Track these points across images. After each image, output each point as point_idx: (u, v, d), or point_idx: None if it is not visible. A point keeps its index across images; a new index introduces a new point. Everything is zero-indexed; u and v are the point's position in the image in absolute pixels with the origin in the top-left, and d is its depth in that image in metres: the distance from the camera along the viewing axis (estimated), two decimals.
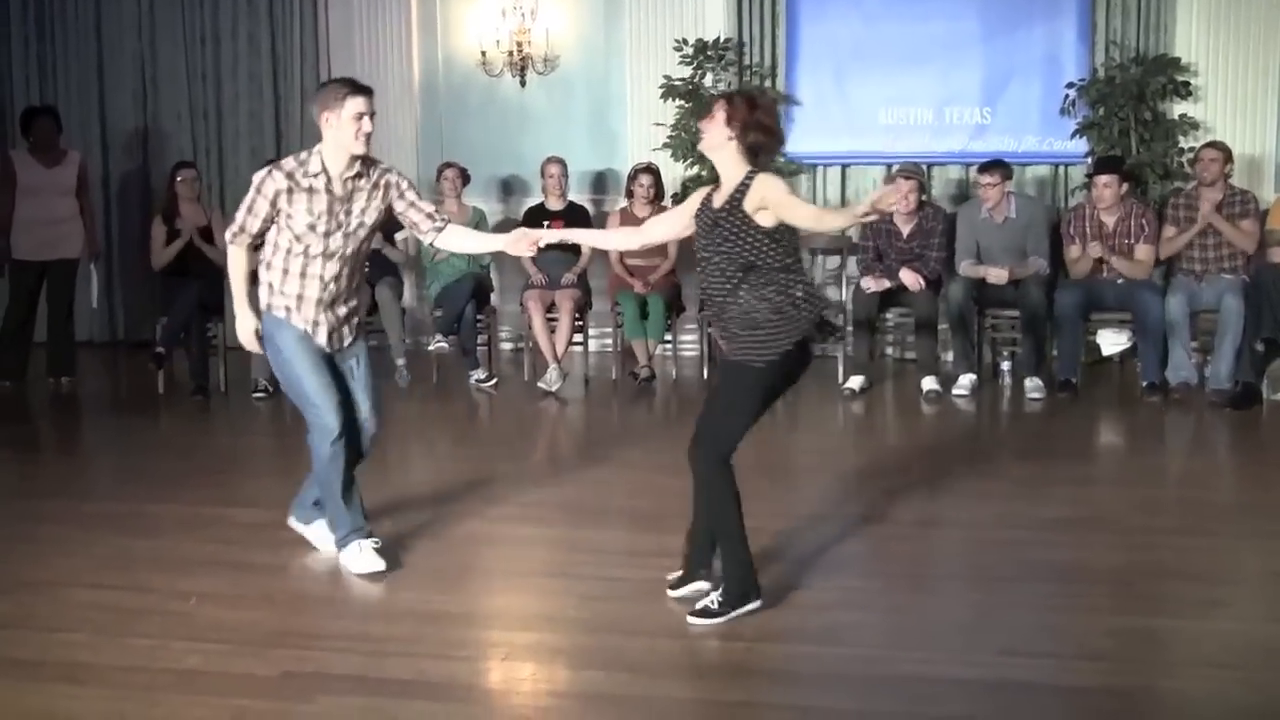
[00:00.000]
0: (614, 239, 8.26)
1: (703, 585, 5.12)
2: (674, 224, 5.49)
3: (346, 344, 5.63)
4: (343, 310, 5.58)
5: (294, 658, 4.58)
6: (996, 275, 9.28)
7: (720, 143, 5.01)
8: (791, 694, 4.34)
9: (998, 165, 9.55)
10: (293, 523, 5.90)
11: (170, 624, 4.92)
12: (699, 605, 4.95)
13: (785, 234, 4.96)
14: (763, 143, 4.99)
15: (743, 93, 5.20)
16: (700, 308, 10.00)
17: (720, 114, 5.01)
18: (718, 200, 5.04)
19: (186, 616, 5.01)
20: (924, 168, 10.29)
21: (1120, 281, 9.28)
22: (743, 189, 4.92)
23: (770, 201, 4.86)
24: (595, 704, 4.26)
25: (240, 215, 5.53)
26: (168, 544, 5.96)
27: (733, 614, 4.90)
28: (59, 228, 10.04)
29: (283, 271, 5.48)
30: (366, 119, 5.48)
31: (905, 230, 9.51)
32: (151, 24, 12.05)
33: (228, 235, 5.58)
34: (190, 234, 9.90)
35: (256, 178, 5.50)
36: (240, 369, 9.72)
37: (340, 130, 5.46)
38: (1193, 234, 9.19)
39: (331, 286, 5.50)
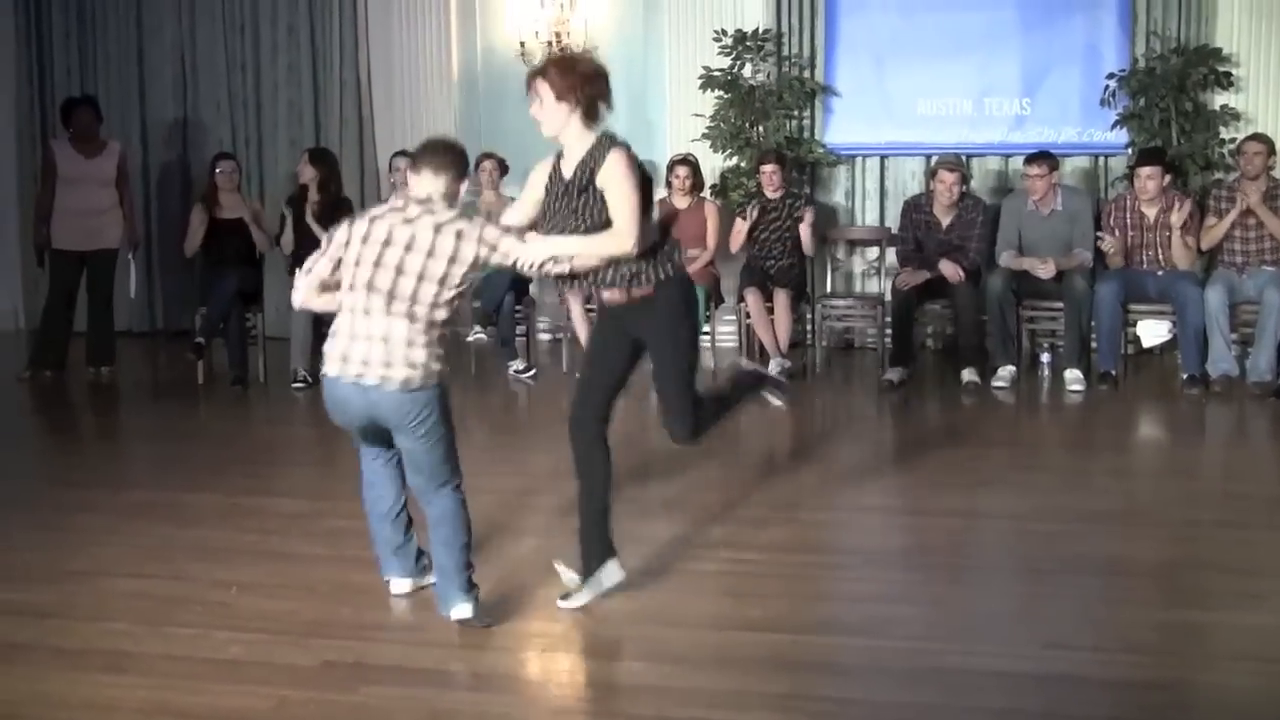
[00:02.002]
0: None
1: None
2: (526, 208, 5.19)
3: None
4: None
5: (335, 648, 4.59)
6: (1044, 269, 9.22)
7: (563, 120, 4.91)
8: (834, 686, 4.33)
9: (1045, 156, 9.48)
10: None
11: (211, 613, 4.94)
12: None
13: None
14: (600, 93, 4.94)
15: (553, 62, 5.09)
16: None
17: (547, 94, 4.91)
18: (567, 170, 4.94)
19: (227, 606, 5.03)
20: (964, 159, 10.23)
21: (1160, 273, 9.22)
22: (593, 159, 4.85)
23: (605, 184, 4.79)
24: (637, 695, 4.27)
25: None
26: (208, 533, 5.99)
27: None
28: (99, 218, 10.08)
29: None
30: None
31: (945, 221, 9.47)
32: (191, 14, 12.08)
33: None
34: (221, 219, 9.95)
35: None
36: (279, 359, 9.75)
37: None
38: (1231, 219, 9.12)
39: None
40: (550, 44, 11.24)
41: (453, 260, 4.74)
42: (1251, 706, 4.17)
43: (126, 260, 10.50)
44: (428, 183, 4.91)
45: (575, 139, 4.93)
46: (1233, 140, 9.77)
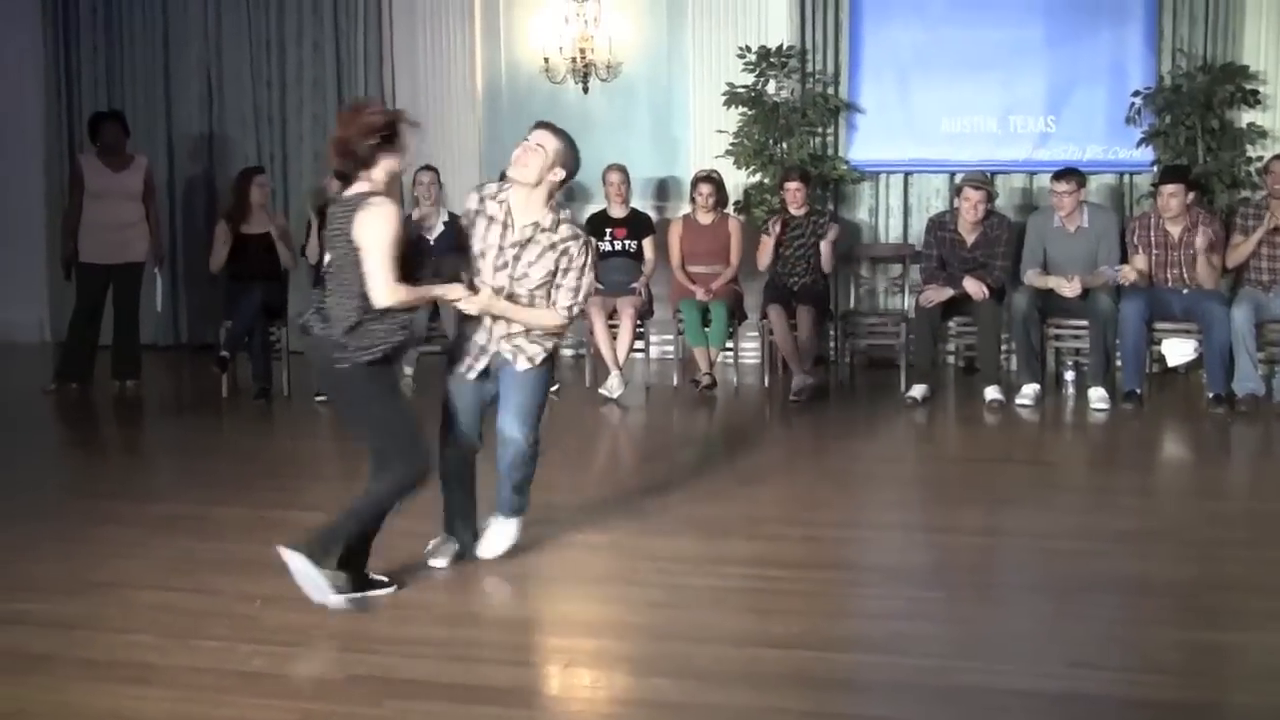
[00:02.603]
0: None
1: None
2: None
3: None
4: None
5: (360, 661, 4.60)
6: (1070, 288, 9.20)
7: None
8: (857, 703, 4.33)
9: (1072, 173, 9.45)
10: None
11: (236, 626, 4.96)
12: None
13: None
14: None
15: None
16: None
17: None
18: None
19: (252, 619, 5.05)
20: (989, 176, 10.22)
21: (1186, 291, 9.20)
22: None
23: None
24: (660, 712, 4.26)
25: None
26: (233, 546, 6.00)
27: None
28: (125, 232, 10.12)
29: None
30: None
31: (970, 239, 9.47)
32: (218, 30, 12.13)
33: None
34: (246, 235, 9.98)
35: None
36: (302, 373, 9.77)
37: None
38: (1257, 239, 9.10)
39: None
40: (574, 60, 11.28)
41: None
42: None
43: (152, 274, 10.53)
44: None
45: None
46: (1259, 158, 9.75)
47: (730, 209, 10.41)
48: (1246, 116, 10.13)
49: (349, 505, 5.25)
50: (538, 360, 5.66)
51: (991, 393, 9.14)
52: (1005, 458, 7.95)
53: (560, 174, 5.54)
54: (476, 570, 5.67)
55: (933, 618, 5.13)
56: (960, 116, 10.78)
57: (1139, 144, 10.26)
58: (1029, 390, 9.17)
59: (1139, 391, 9.06)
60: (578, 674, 4.66)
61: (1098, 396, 9.02)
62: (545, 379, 5.79)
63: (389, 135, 5.21)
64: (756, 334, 10.46)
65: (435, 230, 10.11)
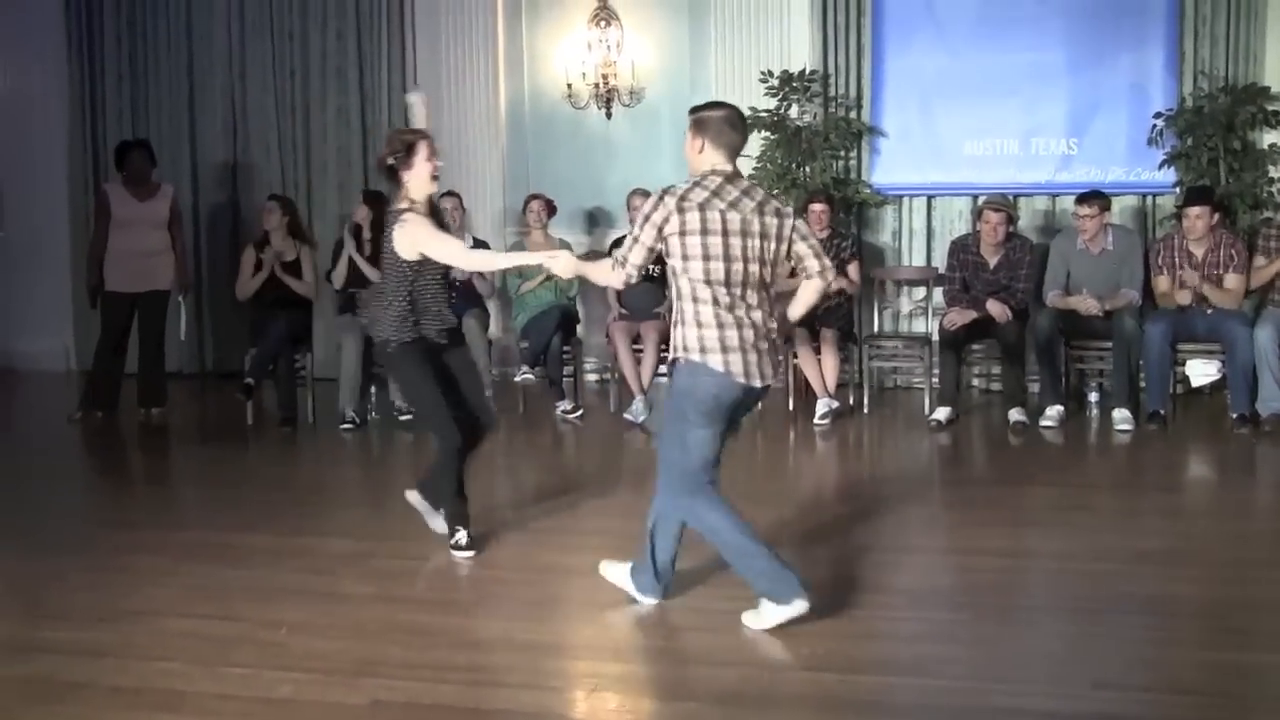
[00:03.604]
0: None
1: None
2: None
3: None
4: None
5: (385, 687, 4.62)
6: (1092, 307, 9.21)
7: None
8: None
9: (1096, 196, 9.47)
10: None
11: (263, 653, 4.98)
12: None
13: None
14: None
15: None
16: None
17: None
18: None
19: (279, 646, 5.07)
20: (1011, 199, 10.23)
21: (1210, 312, 9.19)
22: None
23: None
24: None
25: None
26: (259, 574, 6.03)
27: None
28: (151, 260, 10.18)
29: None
30: None
31: (992, 262, 9.48)
32: (242, 59, 12.22)
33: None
34: (273, 265, 10.01)
35: None
36: (328, 400, 9.82)
37: None
38: (1279, 265, 9.10)
39: None
40: (597, 86, 11.33)
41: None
42: None
43: (177, 302, 10.59)
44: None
45: None
46: None
47: None
48: (1268, 137, 10.12)
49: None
50: None
51: (1015, 414, 9.14)
52: (1029, 479, 7.94)
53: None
54: (501, 594, 5.69)
55: (958, 639, 5.13)
56: (982, 139, 10.79)
57: (1161, 165, 10.26)
58: (1053, 412, 9.17)
59: (1163, 412, 9.06)
60: (604, 698, 4.66)
61: (1122, 418, 9.01)
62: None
63: (405, 153, 6.09)
64: (781, 358, 10.44)
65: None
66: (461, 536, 6.20)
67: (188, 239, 11.50)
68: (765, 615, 5.10)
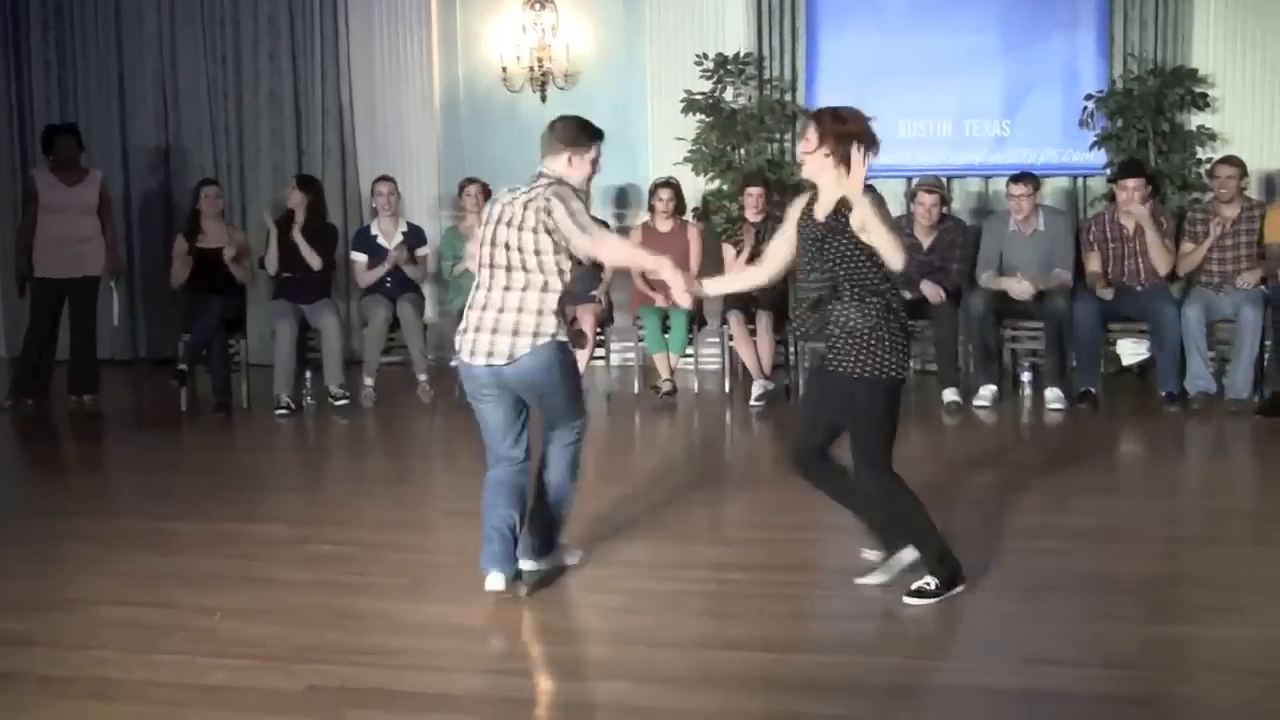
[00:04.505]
0: (749, 277, 6.95)
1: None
2: (786, 243, 5.55)
3: None
4: None
5: (318, 672, 4.60)
6: (1022, 290, 9.28)
7: (820, 165, 5.25)
8: (818, 704, 4.34)
9: (1028, 177, 9.56)
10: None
11: (196, 640, 4.94)
12: (914, 586, 5.21)
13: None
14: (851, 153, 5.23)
15: (828, 110, 5.39)
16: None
17: (813, 136, 5.25)
18: (819, 213, 5.26)
19: (212, 632, 5.03)
20: (944, 181, 10.28)
21: (1140, 289, 9.28)
22: (846, 205, 5.15)
23: (864, 222, 5.09)
24: (621, 716, 4.28)
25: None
26: (192, 560, 5.99)
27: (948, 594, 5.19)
28: (81, 246, 10.06)
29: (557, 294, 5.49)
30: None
31: (926, 243, 9.52)
32: (172, 42, 12.11)
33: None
34: (204, 249, 9.93)
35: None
36: (262, 386, 9.76)
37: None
38: (1206, 247, 9.19)
39: None
40: (532, 69, 11.31)
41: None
42: (1230, 719, 4.19)
43: (108, 288, 10.49)
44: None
45: (828, 181, 5.28)
46: (1209, 160, 9.84)
47: (689, 216, 10.44)
48: (1196, 119, 10.24)
49: None
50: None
51: (949, 395, 9.20)
52: (963, 459, 7.99)
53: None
54: (435, 578, 5.68)
55: (892, 618, 5.16)
56: (917, 121, 10.86)
57: (1092, 147, 10.36)
58: (986, 392, 9.24)
59: (1094, 391, 9.15)
60: (538, 680, 4.67)
61: (1054, 397, 9.10)
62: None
63: None
64: (716, 340, 10.49)
65: (394, 239, 10.13)
66: None
67: (119, 224, 11.38)
68: (492, 581, 5.33)
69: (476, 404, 5.47)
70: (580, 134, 5.57)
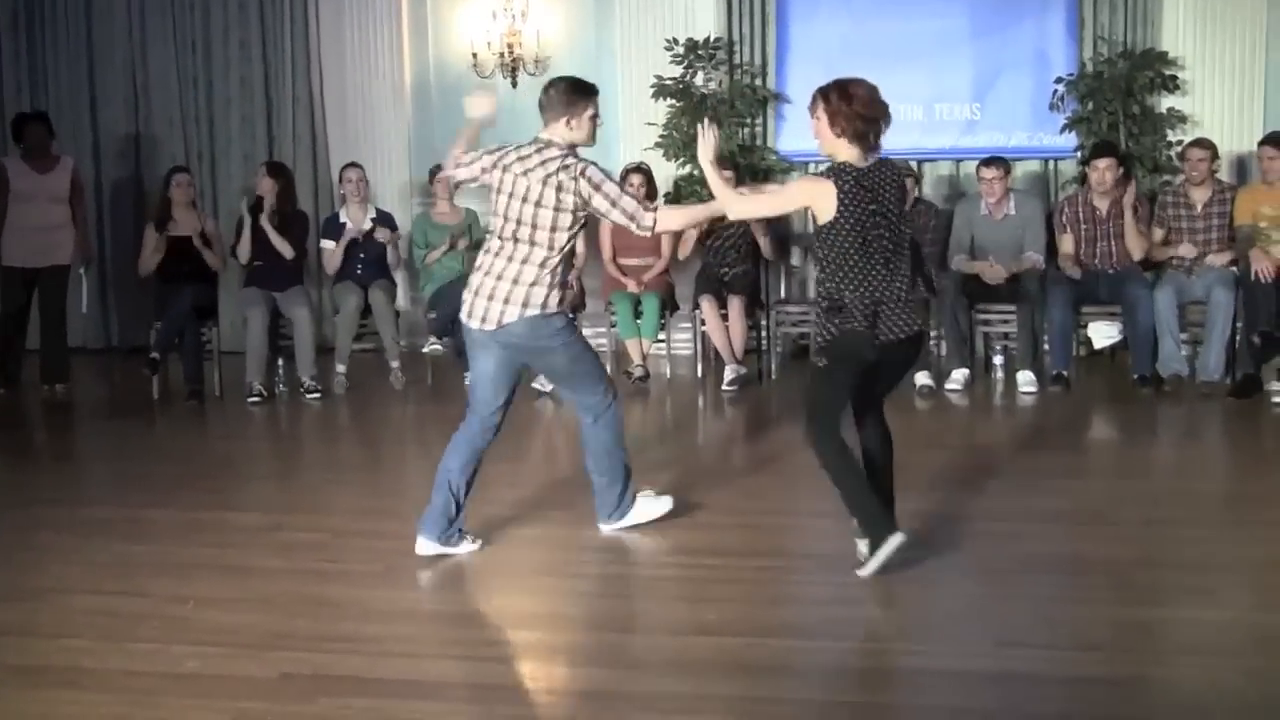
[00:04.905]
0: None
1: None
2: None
3: None
4: None
5: (293, 660, 4.60)
6: (994, 274, 9.31)
7: (831, 141, 5.46)
8: (790, 688, 4.36)
9: (999, 160, 9.60)
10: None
11: (170, 628, 4.94)
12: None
13: (829, 230, 5.37)
14: (862, 130, 5.41)
15: (835, 85, 5.57)
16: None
17: (822, 114, 5.46)
18: None
19: (185, 620, 5.03)
20: (915, 165, 10.30)
21: (1112, 271, 9.32)
22: None
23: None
24: (595, 701, 4.28)
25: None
26: (166, 549, 5.98)
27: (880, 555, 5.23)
28: (51, 234, 10.02)
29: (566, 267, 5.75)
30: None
31: None
32: (142, 30, 12.04)
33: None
34: (177, 238, 9.88)
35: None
36: (235, 373, 9.73)
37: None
38: (1170, 254, 9.25)
39: None
40: (503, 55, 11.28)
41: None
42: (1202, 700, 4.21)
43: (78, 276, 10.43)
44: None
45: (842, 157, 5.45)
46: (1179, 142, 9.89)
47: (660, 201, 10.43)
48: (1166, 101, 10.28)
49: None
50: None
51: (921, 378, 9.22)
52: (936, 442, 8.00)
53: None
54: (408, 565, 5.67)
55: (865, 602, 5.18)
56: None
57: (1063, 130, 10.40)
58: (958, 375, 9.27)
59: (1066, 374, 9.18)
60: (512, 666, 4.67)
61: (1026, 380, 9.13)
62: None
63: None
64: (689, 325, 10.50)
65: (364, 226, 10.10)
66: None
67: (90, 212, 11.31)
68: (420, 546, 5.70)
69: (470, 353, 5.77)
70: (574, 94, 5.72)
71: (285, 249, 9.79)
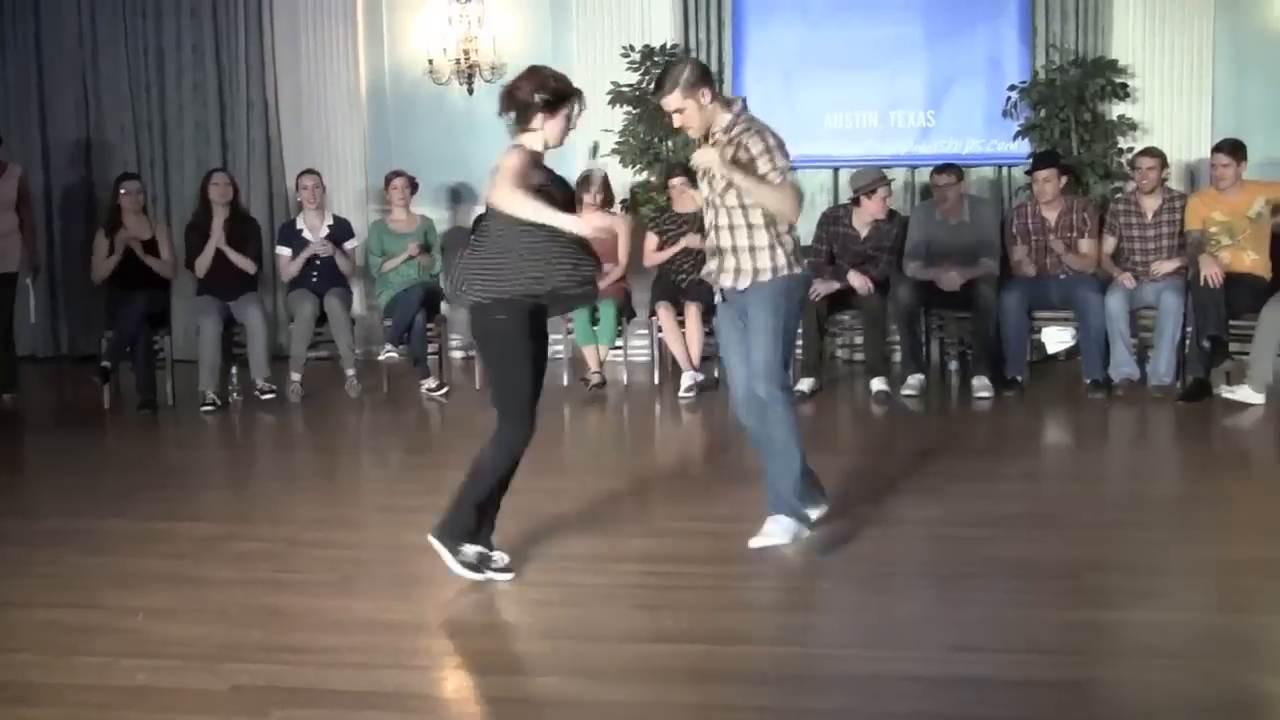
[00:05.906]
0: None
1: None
2: None
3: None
4: None
5: (245, 671, 4.56)
6: (950, 281, 9.34)
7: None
8: (748, 695, 4.34)
9: (952, 167, 9.69)
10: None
11: (121, 641, 4.88)
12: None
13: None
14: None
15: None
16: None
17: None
18: None
19: (137, 633, 4.98)
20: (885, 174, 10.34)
21: (1063, 276, 9.37)
22: None
23: None
24: (552, 710, 4.27)
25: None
26: (118, 560, 5.93)
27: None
28: None
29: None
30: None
31: (863, 233, 9.56)
32: (94, 35, 11.94)
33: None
34: (127, 246, 9.78)
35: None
36: (188, 382, 9.67)
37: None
38: (1118, 275, 9.31)
39: None
40: (459, 61, 11.26)
41: None
42: (1153, 701, 4.23)
43: (25, 284, 10.33)
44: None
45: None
46: (1130, 149, 9.97)
47: (617, 208, 10.43)
48: (1117, 109, 10.36)
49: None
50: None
51: (877, 384, 9.25)
52: (891, 448, 8.04)
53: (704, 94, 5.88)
54: (363, 575, 5.64)
55: (820, 608, 5.20)
56: (843, 112, 10.92)
57: (1015, 137, 10.46)
58: (914, 381, 9.30)
59: (1020, 379, 9.23)
60: (467, 675, 4.66)
61: (980, 385, 9.17)
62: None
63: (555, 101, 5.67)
64: (645, 331, 10.50)
65: (320, 232, 10.07)
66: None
67: (40, 219, 11.20)
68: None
69: None
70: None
71: (248, 265, 9.78)
